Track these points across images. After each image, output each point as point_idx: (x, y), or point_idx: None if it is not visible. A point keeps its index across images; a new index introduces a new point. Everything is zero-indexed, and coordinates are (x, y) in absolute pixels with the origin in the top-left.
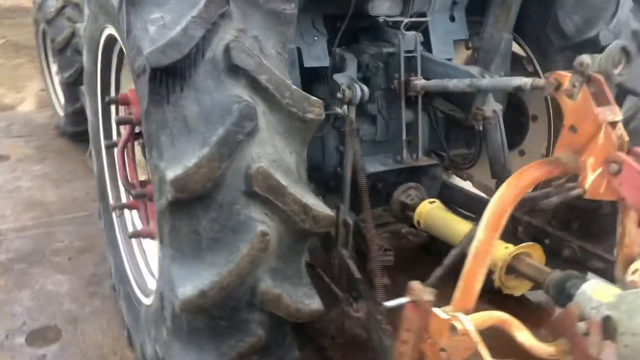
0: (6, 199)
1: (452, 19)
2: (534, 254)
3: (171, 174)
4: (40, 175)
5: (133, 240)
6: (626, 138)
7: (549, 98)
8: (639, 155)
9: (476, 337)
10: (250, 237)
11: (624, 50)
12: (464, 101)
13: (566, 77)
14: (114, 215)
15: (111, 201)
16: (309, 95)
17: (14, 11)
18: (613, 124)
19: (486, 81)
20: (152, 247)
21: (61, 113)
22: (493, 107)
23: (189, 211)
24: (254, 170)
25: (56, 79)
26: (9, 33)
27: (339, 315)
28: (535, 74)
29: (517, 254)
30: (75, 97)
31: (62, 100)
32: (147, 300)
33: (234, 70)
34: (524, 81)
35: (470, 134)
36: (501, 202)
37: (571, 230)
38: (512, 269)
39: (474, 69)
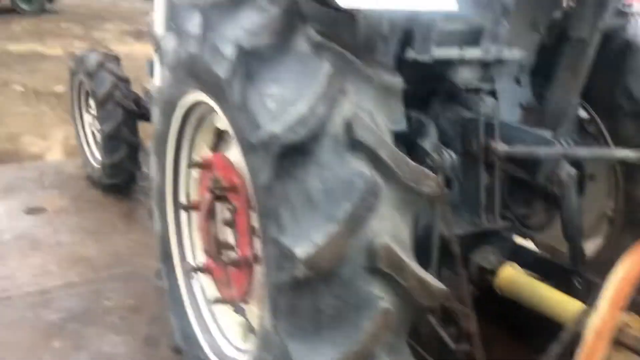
0: (49, 254)
1: (519, 83)
2: (634, 326)
3: (301, 251)
4: (79, 228)
5: (202, 303)
6: None
7: None
8: None
9: None
10: (372, 314)
11: None
12: (533, 164)
13: None
14: (182, 276)
15: (185, 262)
16: (423, 168)
17: (27, 57)
18: None
19: (585, 151)
20: (223, 312)
21: (94, 164)
22: (568, 171)
23: (313, 288)
24: (378, 246)
25: (88, 130)
26: (26, 80)
27: None
28: (597, 135)
29: (624, 323)
30: (115, 150)
31: (95, 151)
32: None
33: (356, 146)
34: (629, 154)
35: (544, 198)
36: (627, 273)
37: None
38: (618, 340)
39: (546, 133)
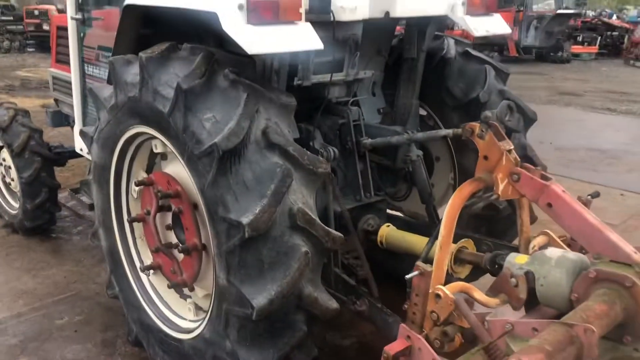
0: None
1: (374, 94)
2: (469, 247)
3: (245, 219)
4: (13, 268)
5: (154, 294)
6: (518, 158)
7: (449, 143)
8: (528, 168)
9: (452, 297)
10: (297, 257)
11: (509, 107)
12: (392, 152)
13: (476, 125)
14: (132, 279)
15: (135, 263)
16: (317, 156)
17: None
18: (509, 151)
19: (421, 135)
20: (173, 300)
21: (12, 212)
22: (417, 153)
23: (255, 246)
24: (296, 210)
25: (1, 182)
26: None
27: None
28: (434, 126)
29: (459, 248)
30: (36, 194)
31: (10, 200)
32: (185, 335)
33: (271, 146)
34: (448, 131)
35: (397, 175)
36: (452, 211)
37: (481, 233)
38: (457, 259)
39: (397, 128)
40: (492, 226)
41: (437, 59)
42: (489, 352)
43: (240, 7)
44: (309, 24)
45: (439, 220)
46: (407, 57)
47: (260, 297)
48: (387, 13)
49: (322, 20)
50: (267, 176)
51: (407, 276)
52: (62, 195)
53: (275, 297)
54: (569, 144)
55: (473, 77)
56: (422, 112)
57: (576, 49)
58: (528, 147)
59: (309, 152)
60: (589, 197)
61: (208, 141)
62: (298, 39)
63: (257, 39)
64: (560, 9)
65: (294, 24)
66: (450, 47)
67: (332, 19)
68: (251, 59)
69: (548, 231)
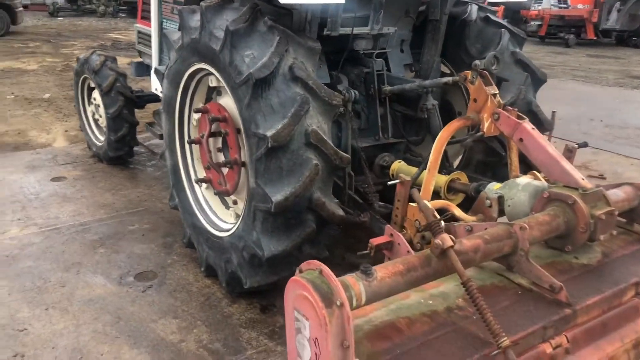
0: (78, 203)
1: (402, 51)
2: (462, 178)
3: (269, 132)
4: (96, 187)
5: (205, 205)
6: (502, 101)
7: (466, 99)
8: (508, 110)
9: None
10: (309, 167)
11: (495, 57)
12: (413, 102)
13: (468, 72)
14: (194, 187)
15: (192, 178)
16: (332, 90)
17: (8, 72)
18: (494, 95)
19: (428, 82)
20: (219, 208)
21: (98, 143)
22: (432, 102)
23: (276, 155)
24: (310, 131)
25: (91, 119)
26: (14, 90)
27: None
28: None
29: (452, 178)
30: (119, 128)
31: (98, 134)
32: (225, 233)
33: (295, 79)
34: (448, 78)
35: (418, 123)
36: (441, 140)
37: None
38: (450, 188)
39: (418, 80)
40: (496, 171)
41: (459, 21)
42: (431, 228)
43: None
44: None
45: (449, 162)
46: (432, 19)
47: (278, 195)
48: None
49: None
50: (290, 102)
51: (389, 182)
52: (141, 137)
53: (290, 195)
54: (621, 122)
55: (489, 39)
56: (445, 69)
57: None
58: (533, 103)
59: (326, 87)
60: (575, 145)
61: (246, 72)
62: None
63: None
64: None
65: None
66: (472, 12)
67: None
68: (289, 10)
69: (534, 171)
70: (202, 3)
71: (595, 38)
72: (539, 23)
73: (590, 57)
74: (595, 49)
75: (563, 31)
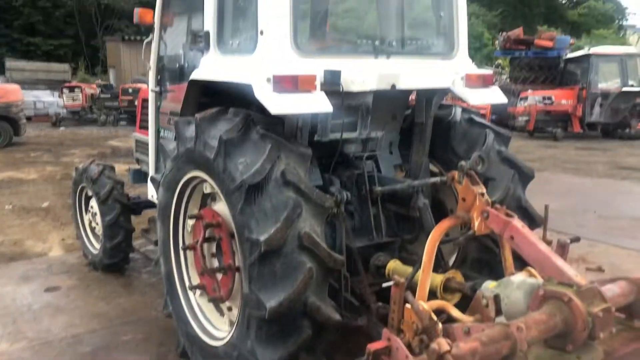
0: (71, 313)
1: (391, 152)
2: (457, 277)
3: (262, 237)
4: (90, 297)
5: (198, 312)
6: (490, 200)
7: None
8: (497, 208)
9: (419, 303)
10: (303, 270)
11: (480, 157)
12: (405, 201)
13: (456, 173)
14: (188, 294)
15: (186, 285)
16: (324, 193)
17: (7, 182)
18: (482, 194)
19: (417, 182)
20: (213, 315)
21: (93, 251)
22: (423, 201)
23: (270, 259)
24: (303, 234)
25: (88, 227)
26: (12, 200)
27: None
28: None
29: (448, 277)
30: (115, 235)
31: (94, 242)
32: (220, 342)
33: (287, 183)
34: (436, 179)
35: (411, 222)
36: (432, 240)
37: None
38: (446, 287)
39: (408, 180)
40: (492, 268)
41: (444, 123)
42: (427, 331)
43: (268, 80)
44: (322, 93)
45: (444, 260)
46: (418, 122)
47: (272, 301)
48: (394, 85)
49: (334, 90)
50: (282, 205)
51: (384, 284)
52: (137, 243)
53: (284, 300)
54: (614, 213)
55: (474, 139)
56: (435, 168)
57: None
58: (523, 199)
59: (317, 190)
60: (568, 240)
61: (239, 178)
62: (311, 103)
63: (279, 103)
64: (625, 86)
65: (310, 92)
66: (457, 114)
67: (341, 89)
68: (280, 119)
69: (529, 268)
70: (197, 115)
71: (582, 131)
72: (527, 118)
73: (578, 150)
74: (583, 142)
75: (550, 125)
